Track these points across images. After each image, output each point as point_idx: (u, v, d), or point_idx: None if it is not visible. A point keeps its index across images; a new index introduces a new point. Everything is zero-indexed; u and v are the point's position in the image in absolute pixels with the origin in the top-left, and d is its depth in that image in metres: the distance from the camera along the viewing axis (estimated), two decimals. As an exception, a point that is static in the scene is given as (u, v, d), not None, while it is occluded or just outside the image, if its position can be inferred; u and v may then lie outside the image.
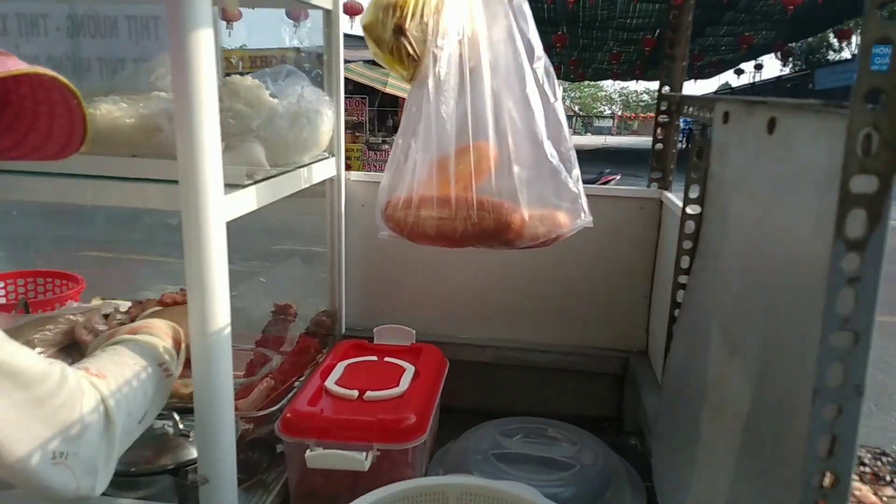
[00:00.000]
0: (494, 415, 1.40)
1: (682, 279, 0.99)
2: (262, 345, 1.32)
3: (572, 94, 41.52)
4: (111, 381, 0.77)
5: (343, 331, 1.47)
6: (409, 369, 1.23)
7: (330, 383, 1.17)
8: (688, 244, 0.98)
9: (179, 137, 0.79)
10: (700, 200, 0.95)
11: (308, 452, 1.00)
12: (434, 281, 1.45)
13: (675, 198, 1.28)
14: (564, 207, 1.04)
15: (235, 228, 0.89)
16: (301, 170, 1.17)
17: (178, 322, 0.92)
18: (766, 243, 0.67)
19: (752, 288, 0.70)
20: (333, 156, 1.33)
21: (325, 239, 1.40)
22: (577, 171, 1.05)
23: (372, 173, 1.41)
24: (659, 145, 1.37)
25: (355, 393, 1.13)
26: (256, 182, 0.98)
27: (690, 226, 0.97)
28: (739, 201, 0.78)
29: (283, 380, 1.28)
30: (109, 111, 1.09)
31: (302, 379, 1.31)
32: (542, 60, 1.04)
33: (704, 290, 0.89)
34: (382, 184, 1.11)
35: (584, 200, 1.05)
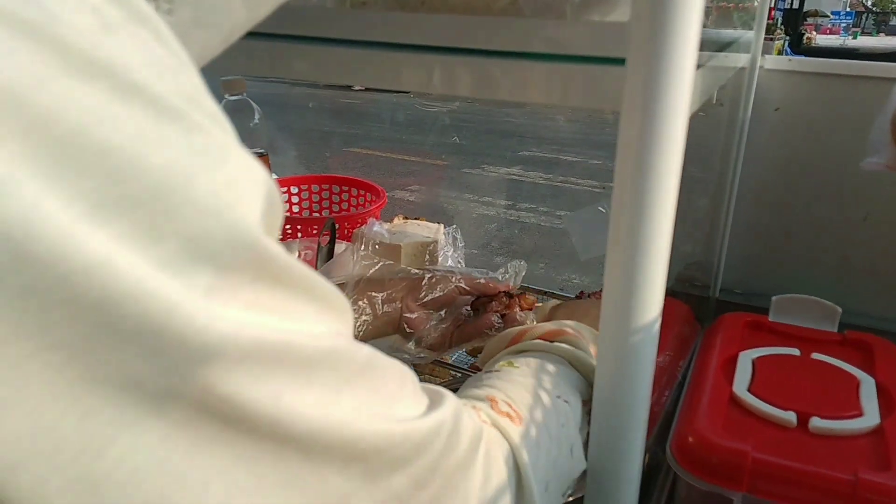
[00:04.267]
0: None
1: None
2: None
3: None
4: (528, 428, 0.44)
5: (718, 293, 1.03)
6: (865, 380, 0.77)
7: (741, 390, 0.75)
8: None
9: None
10: None
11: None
12: (879, 233, 0.93)
13: None
14: None
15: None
16: (730, 51, 0.72)
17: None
18: None
19: None
20: (752, 30, 0.85)
21: (714, 155, 0.95)
22: None
23: (802, 58, 0.90)
24: None
25: (793, 416, 0.70)
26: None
27: None
28: None
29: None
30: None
31: (662, 361, 0.91)
32: None
33: None
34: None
35: None
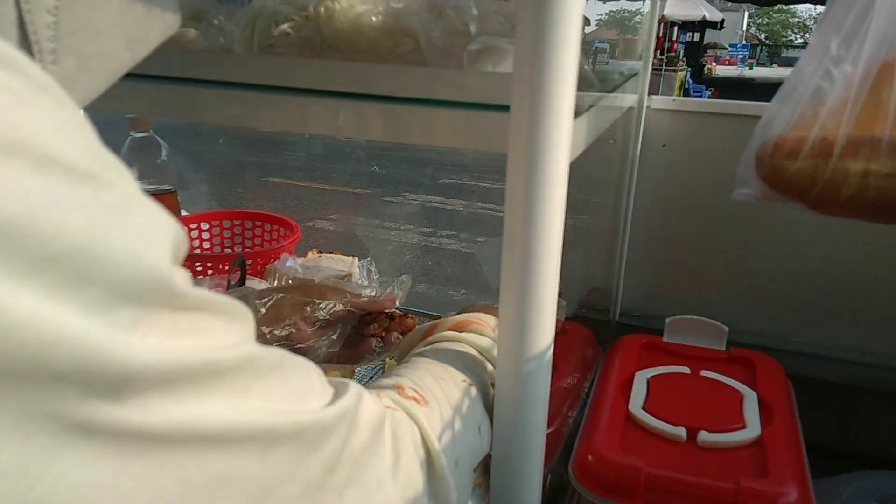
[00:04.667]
0: (844, 459, 0.97)
1: None
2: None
3: (759, 21, 37.70)
4: (434, 409, 0.48)
5: (618, 317, 1.10)
6: (748, 394, 0.84)
7: (636, 408, 0.80)
8: None
9: (524, 34, 0.42)
10: None
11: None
12: (759, 256, 1.02)
13: None
14: None
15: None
16: (619, 92, 0.78)
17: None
18: None
19: None
20: (640, 62, 0.92)
21: (608, 189, 1.02)
22: None
23: (684, 99, 0.98)
24: None
25: (682, 431, 0.76)
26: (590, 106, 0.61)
27: None
28: None
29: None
30: (351, 5, 0.75)
31: (568, 383, 0.96)
32: None
33: None
34: (767, 115, 0.69)
35: None
